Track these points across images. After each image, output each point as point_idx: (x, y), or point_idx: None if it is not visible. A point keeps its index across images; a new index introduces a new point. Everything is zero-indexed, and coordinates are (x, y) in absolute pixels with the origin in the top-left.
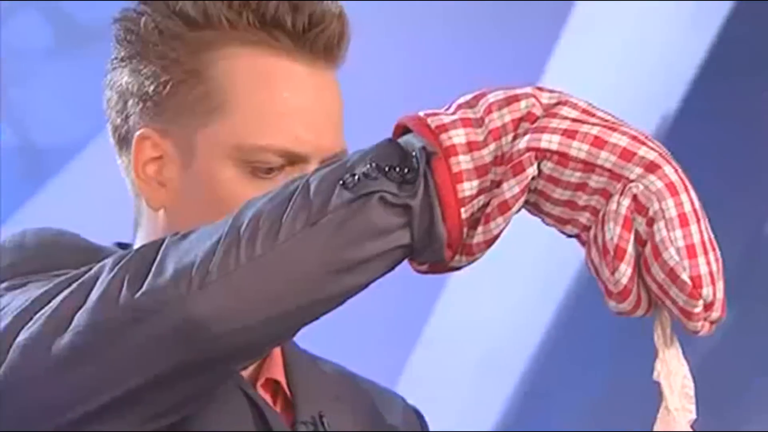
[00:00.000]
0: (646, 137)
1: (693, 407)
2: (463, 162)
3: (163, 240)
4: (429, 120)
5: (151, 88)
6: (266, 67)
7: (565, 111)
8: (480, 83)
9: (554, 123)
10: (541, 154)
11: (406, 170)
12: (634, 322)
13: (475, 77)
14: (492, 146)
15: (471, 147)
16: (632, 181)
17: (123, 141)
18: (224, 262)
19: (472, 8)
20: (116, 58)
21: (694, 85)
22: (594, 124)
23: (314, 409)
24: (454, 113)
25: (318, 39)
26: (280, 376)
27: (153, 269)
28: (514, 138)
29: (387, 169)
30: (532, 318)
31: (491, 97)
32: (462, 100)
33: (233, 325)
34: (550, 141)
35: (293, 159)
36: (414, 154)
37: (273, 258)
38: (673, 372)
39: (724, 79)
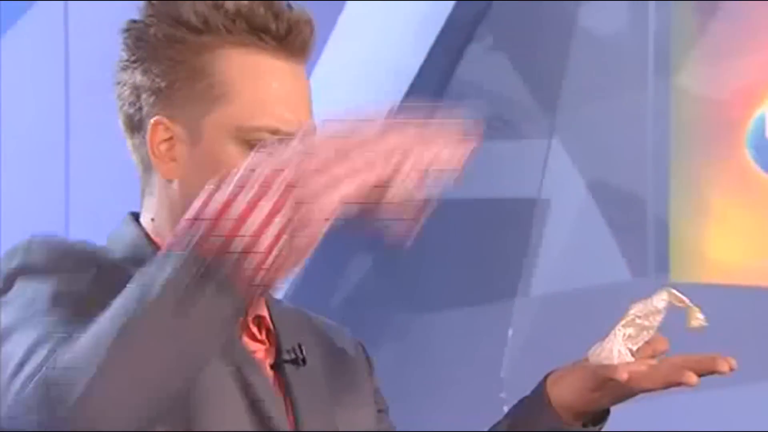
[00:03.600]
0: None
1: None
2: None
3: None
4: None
5: (163, 84)
6: (256, 63)
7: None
8: None
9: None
10: None
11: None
12: None
13: None
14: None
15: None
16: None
17: (136, 126)
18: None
19: None
20: (128, 60)
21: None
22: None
23: (293, 339)
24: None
25: (295, 41)
26: (264, 312)
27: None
28: None
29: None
30: None
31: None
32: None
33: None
34: None
35: (281, 134)
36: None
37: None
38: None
39: None
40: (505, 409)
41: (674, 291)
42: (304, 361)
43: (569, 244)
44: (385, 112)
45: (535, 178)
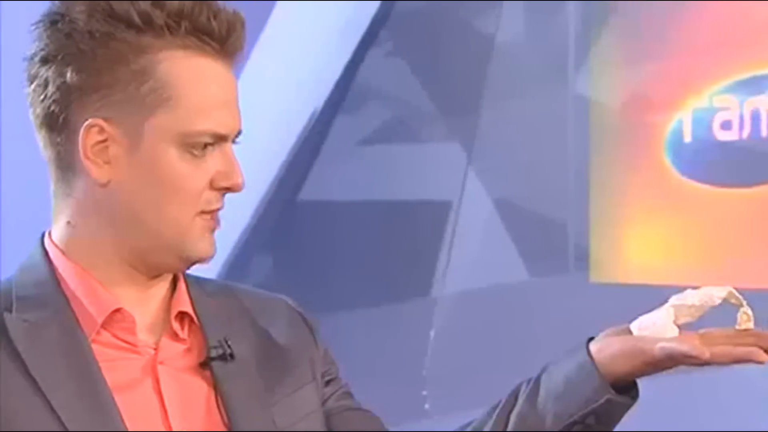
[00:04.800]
0: None
1: None
2: None
3: None
4: None
5: (99, 84)
6: (199, 67)
7: None
8: None
9: None
10: None
11: None
12: None
13: None
14: None
15: None
16: None
17: (60, 125)
18: None
19: None
20: (52, 55)
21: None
22: None
23: (219, 332)
24: None
25: (235, 43)
26: (188, 308)
27: None
28: None
29: None
30: None
31: None
32: None
33: None
34: None
35: (220, 138)
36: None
37: None
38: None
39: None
40: (428, 407)
41: (734, 290)
42: (232, 355)
43: (486, 243)
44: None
45: (437, 179)
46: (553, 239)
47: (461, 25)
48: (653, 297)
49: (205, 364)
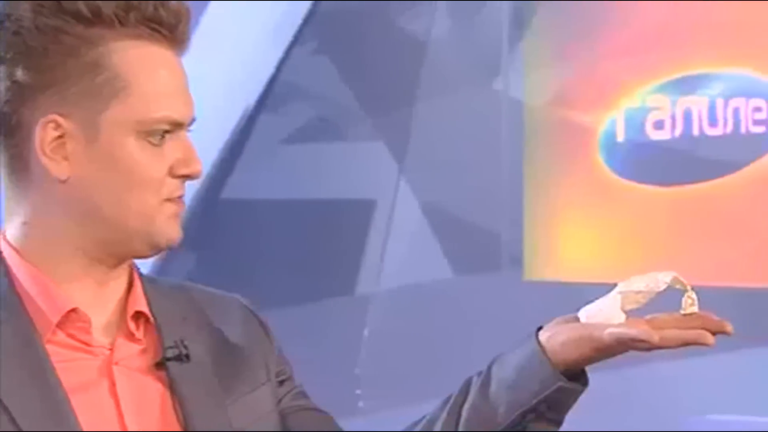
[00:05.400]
0: None
1: None
2: None
3: None
4: None
5: (52, 80)
6: (151, 55)
7: None
8: None
9: None
10: None
11: None
12: None
13: None
14: None
15: None
16: None
17: (12, 126)
18: None
19: None
20: (1, 57)
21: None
22: None
23: (175, 333)
24: None
25: (183, 31)
26: (144, 307)
27: None
28: None
29: None
30: None
31: None
32: None
33: None
34: None
35: (176, 126)
36: None
37: None
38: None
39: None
40: (362, 405)
41: (679, 275)
42: (188, 356)
43: (418, 242)
44: None
45: (363, 178)
46: (486, 238)
47: (390, 24)
48: (587, 295)
49: (160, 365)
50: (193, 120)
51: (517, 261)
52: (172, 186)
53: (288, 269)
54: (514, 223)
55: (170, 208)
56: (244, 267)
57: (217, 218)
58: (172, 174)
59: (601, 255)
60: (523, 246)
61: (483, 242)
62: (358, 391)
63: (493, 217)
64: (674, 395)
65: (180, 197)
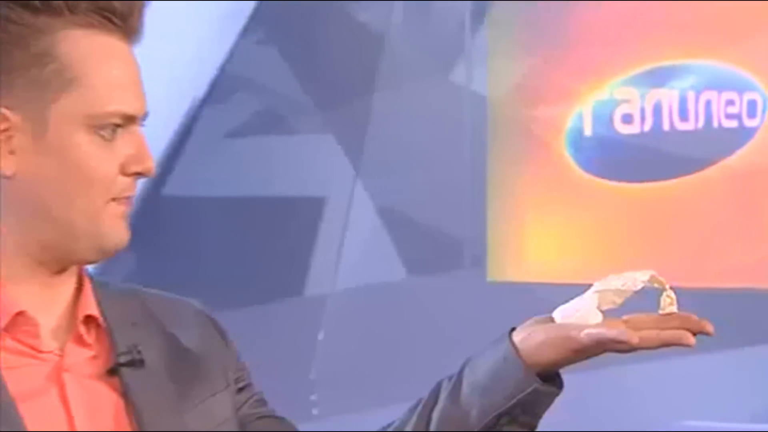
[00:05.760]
0: None
1: None
2: None
3: None
4: None
5: None
6: (103, 46)
7: None
8: None
9: None
10: None
11: None
12: None
13: None
14: None
15: None
16: None
17: None
18: None
19: None
20: None
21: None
22: None
23: (128, 338)
24: None
25: (136, 22)
26: (95, 311)
27: None
28: None
29: None
30: None
31: None
32: None
33: None
34: None
35: (128, 120)
36: None
37: None
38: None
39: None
40: (315, 412)
41: (656, 274)
42: (141, 362)
43: (377, 243)
44: None
45: (312, 174)
46: (447, 237)
47: (345, 14)
48: (553, 295)
49: (113, 371)
50: (146, 115)
51: (480, 261)
52: (122, 184)
53: (235, 270)
54: (476, 222)
55: (116, 208)
56: (188, 268)
57: (160, 216)
58: (123, 171)
59: (567, 254)
60: (487, 245)
61: (444, 241)
62: (312, 397)
63: (455, 215)
64: (643, 399)
65: (128, 198)
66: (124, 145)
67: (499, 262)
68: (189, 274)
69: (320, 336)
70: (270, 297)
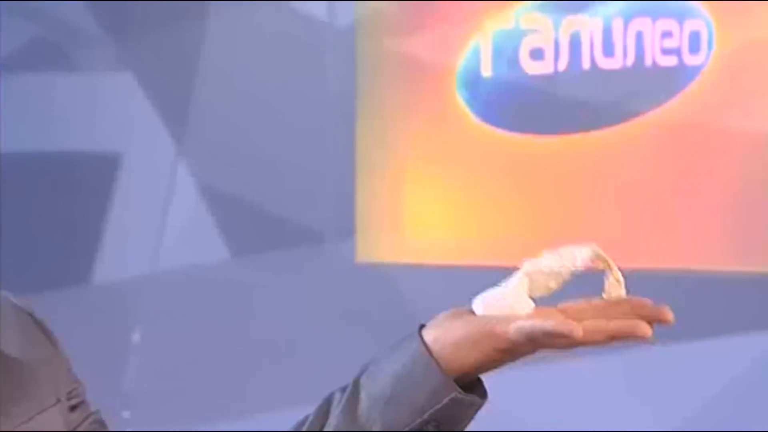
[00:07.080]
0: None
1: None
2: None
3: None
4: None
5: None
6: None
7: None
8: None
9: None
10: None
11: None
12: None
13: None
14: None
15: None
16: None
17: None
18: None
19: None
20: None
21: None
22: None
23: None
24: None
25: None
26: None
27: None
28: None
29: None
30: None
31: None
32: None
33: None
34: None
35: None
36: None
37: None
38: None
39: None
40: (127, 416)
41: (600, 250)
42: None
43: (209, 222)
44: None
45: (106, 122)
46: (307, 206)
47: None
48: (439, 279)
49: None
50: None
51: (347, 235)
52: None
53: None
54: (342, 187)
55: None
56: None
57: None
58: None
59: (458, 229)
60: (355, 217)
61: (305, 213)
62: (126, 415)
63: (317, 178)
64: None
65: None
66: None
67: (369, 241)
68: None
69: (136, 336)
70: (55, 284)
